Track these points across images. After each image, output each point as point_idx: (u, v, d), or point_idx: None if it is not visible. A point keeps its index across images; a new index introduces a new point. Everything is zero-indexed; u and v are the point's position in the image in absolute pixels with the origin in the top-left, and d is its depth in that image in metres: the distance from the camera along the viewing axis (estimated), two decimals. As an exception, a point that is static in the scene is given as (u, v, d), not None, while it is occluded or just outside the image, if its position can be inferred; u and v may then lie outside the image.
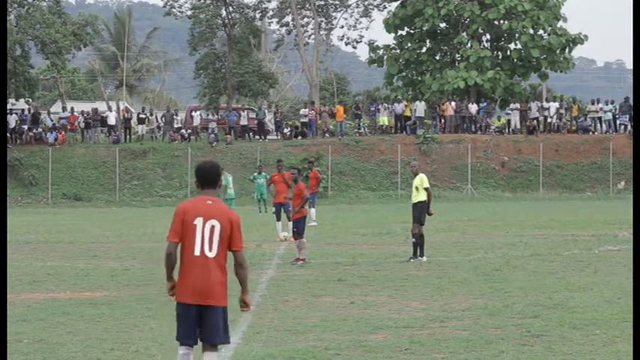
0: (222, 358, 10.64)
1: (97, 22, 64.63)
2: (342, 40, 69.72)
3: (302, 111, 61.43)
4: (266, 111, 63.74)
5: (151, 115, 61.82)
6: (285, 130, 60.53)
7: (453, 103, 58.72)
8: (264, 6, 66.20)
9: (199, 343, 8.45)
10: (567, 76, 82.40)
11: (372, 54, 66.09)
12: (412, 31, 64.57)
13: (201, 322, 8.24)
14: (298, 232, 21.03)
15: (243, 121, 59.89)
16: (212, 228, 8.21)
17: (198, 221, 8.18)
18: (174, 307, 8.39)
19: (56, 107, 70.14)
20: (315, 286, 16.90)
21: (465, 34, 62.64)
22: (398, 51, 65.09)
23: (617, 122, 58.31)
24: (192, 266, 8.18)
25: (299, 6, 66.76)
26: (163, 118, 60.65)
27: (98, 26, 65.33)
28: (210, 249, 8.21)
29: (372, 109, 61.45)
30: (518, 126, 59.64)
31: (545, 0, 61.66)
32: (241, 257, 8.43)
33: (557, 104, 60.17)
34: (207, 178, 8.38)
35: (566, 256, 21.34)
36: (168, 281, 8.34)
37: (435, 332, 12.02)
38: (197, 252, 8.17)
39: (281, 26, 68.93)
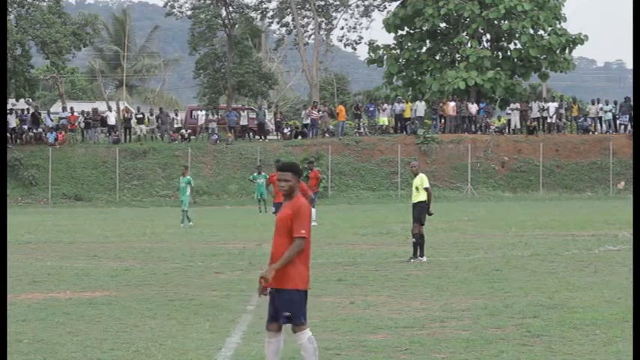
0: (222, 358, 10.66)
1: (97, 22, 64.59)
2: (341, 41, 69.82)
3: (303, 112, 61.48)
4: (266, 111, 63.73)
5: (151, 115, 61.85)
6: (285, 130, 60.55)
7: (453, 103, 58.71)
8: (264, 6, 66.24)
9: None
10: (567, 76, 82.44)
11: (371, 54, 66.06)
12: (412, 31, 64.56)
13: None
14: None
15: (243, 121, 59.89)
16: None
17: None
18: (303, 294, 8.93)
19: (56, 107, 70.14)
20: (315, 286, 16.83)
21: (465, 34, 62.65)
22: (398, 51, 65.09)
23: (617, 122, 58.31)
24: (309, 257, 9.04)
25: (299, 6, 66.75)
26: (159, 119, 60.61)
27: (98, 26, 65.29)
28: None
29: (371, 109, 61.40)
30: (519, 126, 59.64)
31: (545, 0, 61.68)
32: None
33: (556, 104, 60.19)
34: None
35: (566, 256, 21.33)
36: (276, 272, 8.82)
37: (435, 332, 12.03)
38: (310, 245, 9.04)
39: (281, 26, 68.98)
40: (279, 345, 9.03)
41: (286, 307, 8.87)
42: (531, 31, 61.94)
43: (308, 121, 59.42)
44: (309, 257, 9.00)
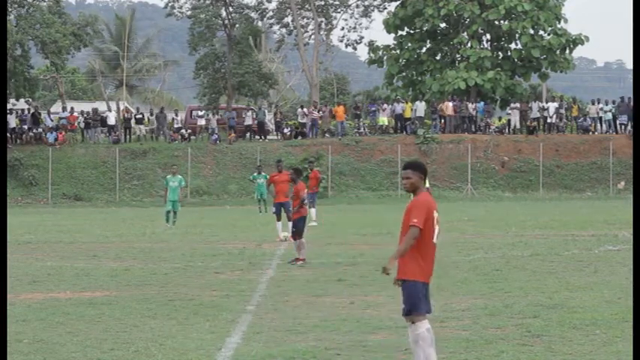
0: (222, 358, 10.66)
1: (97, 23, 64.54)
2: (341, 41, 69.80)
3: (299, 110, 61.49)
4: (266, 111, 63.72)
5: (151, 115, 61.86)
6: (285, 130, 60.55)
7: (451, 103, 58.69)
8: (263, 6, 66.20)
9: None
10: (567, 76, 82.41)
11: (371, 54, 66.07)
12: (412, 32, 64.56)
13: (427, 297, 9.54)
14: (298, 232, 21.04)
15: (248, 121, 59.78)
16: (435, 220, 9.50)
17: (434, 214, 9.49)
18: (414, 285, 9.32)
19: (56, 107, 70.15)
20: (315, 286, 16.90)
21: (465, 34, 62.64)
22: (398, 51, 65.08)
23: (617, 122, 58.32)
24: (431, 251, 9.39)
25: (299, 6, 66.74)
26: (158, 119, 60.61)
27: (98, 26, 65.23)
28: (436, 238, 9.49)
29: (373, 109, 61.44)
30: (518, 126, 59.65)
31: (546, 0, 61.68)
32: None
33: (556, 104, 60.20)
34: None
35: (566, 256, 21.33)
36: (395, 260, 9.28)
37: (435, 332, 11.99)
38: (434, 240, 9.40)
39: (281, 27, 68.93)
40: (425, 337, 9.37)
41: (404, 298, 9.32)
42: (531, 32, 61.93)
43: (304, 120, 59.48)
44: (428, 249, 9.34)
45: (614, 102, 59.53)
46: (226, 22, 62.80)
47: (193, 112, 62.82)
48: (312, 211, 32.30)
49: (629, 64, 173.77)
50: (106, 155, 56.71)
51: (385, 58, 65.32)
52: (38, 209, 49.57)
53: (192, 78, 70.09)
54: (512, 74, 63.51)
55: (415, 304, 9.34)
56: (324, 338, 11.73)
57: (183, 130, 59.74)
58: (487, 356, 10.57)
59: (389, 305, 14.42)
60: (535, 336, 11.64)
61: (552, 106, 59.68)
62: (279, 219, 26.61)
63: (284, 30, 69.02)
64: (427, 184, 21.02)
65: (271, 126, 62.88)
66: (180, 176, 33.93)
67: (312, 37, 67.31)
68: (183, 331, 12.30)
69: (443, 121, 59.03)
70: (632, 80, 64.02)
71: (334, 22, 68.40)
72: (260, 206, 41.58)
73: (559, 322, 12.56)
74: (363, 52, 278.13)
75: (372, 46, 66.09)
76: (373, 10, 68.37)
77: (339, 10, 67.97)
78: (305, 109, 60.95)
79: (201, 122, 60.03)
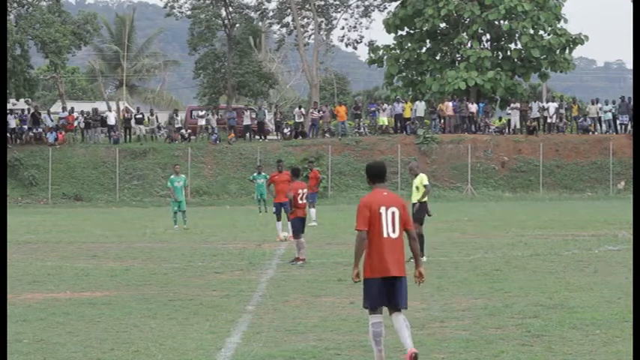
0: (222, 358, 10.67)
1: (97, 21, 64.47)
2: (342, 40, 69.73)
3: (296, 110, 61.47)
4: (266, 111, 63.74)
5: (152, 115, 61.84)
6: (285, 130, 60.55)
7: (450, 103, 58.67)
8: (263, 7, 66.16)
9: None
10: (567, 76, 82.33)
11: (372, 54, 66.03)
12: (412, 32, 64.52)
13: (392, 290, 9.76)
14: (295, 232, 21.04)
15: (247, 121, 59.77)
16: (393, 214, 9.73)
17: (382, 210, 9.70)
18: (365, 283, 9.76)
19: (56, 107, 70.13)
20: (315, 286, 16.91)
21: (465, 34, 62.62)
22: (398, 51, 65.03)
23: (617, 122, 58.31)
24: (383, 247, 9.68)
25: (299, 6, 66.69)
26: (171, 119, 60.67)
27: (98, 24, 65.16)
28: (394, 231, 9.73)
29: (373, 109, 61.43)
30: (518, 126, 59.64)
31: (546, 0, 61.67)
32: (414, 233, 10.05)
33: (556, 104, 60.18)
34: (378, 174, 9.96)
35: (566, 256, 21.34)
36: (357, 268, 9.85)
37: (435, 332, 12.03)
38: (385, 234, 9.68)
39: (281, 27, 68.89)
40: (401, 324, 9.87)
41: None
42: (531, 32, 61.88)
43: (301, 120, 59.49)
44: (377, 245, 9.65)
45: (614, 102, 59.50)
46: (226, 22, 62.79)
47: (193, 112, 62.80)
48: (312, 211, 32.29)
49: (629, 64, 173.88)
50: (106, 155, 56.70)
51: (385, 58, 65.27)
52: (38, 209, 49.56)
53: (192, 78, 70.09)
54: (512, 74, 63.46)
55: (367, 300, 9.84)
56: (324, 338, 11.73)
57: (183, 130, 59.74)
58: (487, 356, 10.58)
59: (389, 305, 14.42)
60: (535, 336, 11.65)
61: (552, 106, 59.65)
62: (279, 219, 26.61)
63: (284, 30, 68.97)
64: (426, 182, 21.02)
65: (271, 126, 62.87)
66: (183, 175, 33.82)
67: (312, 37, 67.25)
68: (183, 331, 12.31)
69: (443, 121, 59.01)
70: (632, 80, 64.02)
71: (334, 22, 68.35)
72: (260, 206, 41.58)
73: (559, 322, 12.57)
74: (363, 52, 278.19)
75: (372, 46, 66.05)
76: (373, 10, 68.30)
77: (339, 10, 67.91)
78: (302, 109, 60.96)
79: (202, 122, 60.02)
